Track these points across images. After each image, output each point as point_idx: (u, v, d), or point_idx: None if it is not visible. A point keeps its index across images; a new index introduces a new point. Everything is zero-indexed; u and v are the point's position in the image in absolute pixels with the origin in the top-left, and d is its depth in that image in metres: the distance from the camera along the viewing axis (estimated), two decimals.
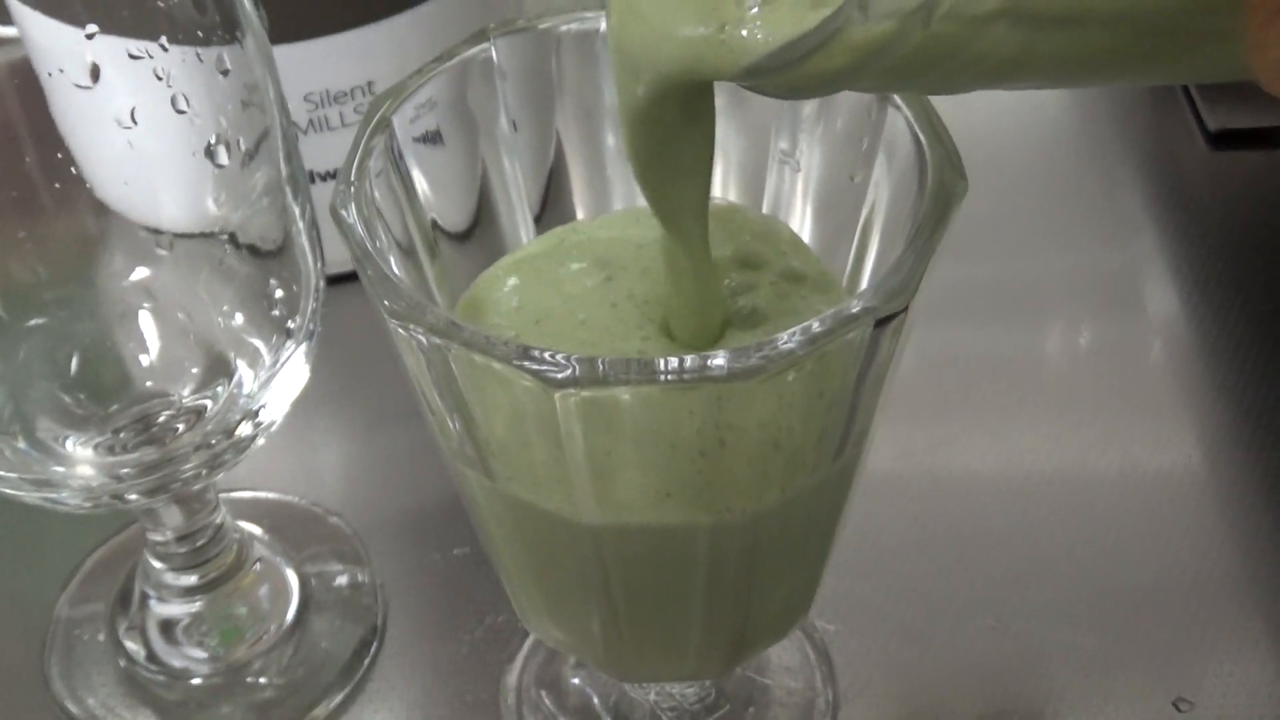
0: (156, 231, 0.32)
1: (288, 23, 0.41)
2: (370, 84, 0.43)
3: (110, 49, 0.28)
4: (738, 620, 0.28)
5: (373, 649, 0.38)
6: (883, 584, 0.38)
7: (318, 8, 0.41)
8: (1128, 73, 0.19)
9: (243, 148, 0.30)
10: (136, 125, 0.29)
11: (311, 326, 0.33)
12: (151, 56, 0.28)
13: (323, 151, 0.44)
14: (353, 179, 0.25)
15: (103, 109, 0.29)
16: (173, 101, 0.29)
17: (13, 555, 0.41)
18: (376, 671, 0.37)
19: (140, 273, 0.33)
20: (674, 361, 0.21)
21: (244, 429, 0.32)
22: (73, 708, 0.37)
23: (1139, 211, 0.51)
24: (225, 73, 0.29)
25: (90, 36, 0.27)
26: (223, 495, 0.37)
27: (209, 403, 0.34)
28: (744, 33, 0.19)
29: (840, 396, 0.23)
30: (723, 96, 0.24)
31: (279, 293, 0.33)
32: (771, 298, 0.27)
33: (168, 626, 0.37)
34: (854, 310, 0.21)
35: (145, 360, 0.34)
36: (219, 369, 0.34)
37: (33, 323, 0.32)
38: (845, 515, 0.28)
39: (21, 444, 0.32)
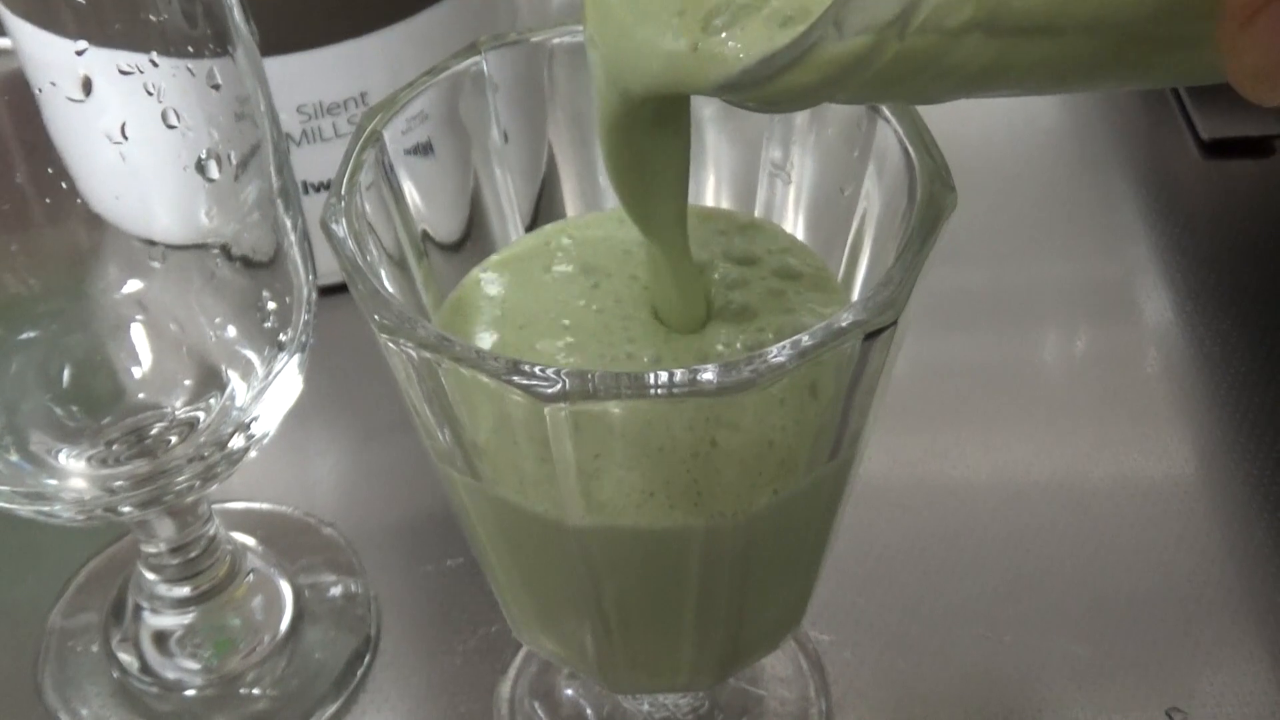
0: (149, 244, 0.32)
1: (281, 34, 0.41)
2: (363, 95, 0.43)
3: (101, 63, 0.28)
4: (731, 630, 0.28)
5: (366, 660, 0.38)
6: (876, 594, 0.38)
7: (312, 20, 0.41)
8: (1105, 78, 0.19)
9: (234, 161, 0.30)
10: (127, 140, 0.29)
11: (304, 338, 0.33)
12: (142, 71, 0.28)
13: (316, 163, 0.44)
14: (343, 193, 0.25)
15: (94, 123, 0.29)
16: (163, 116, 0.29)
17: (6, 567, 0.41)
18: (370, 683, 0.37)
19: (132, 285, 0.33)
20: (664, 375, 0.21)
21: (236, 441, 0.32)
22: (66, 719, 0.37)
23: (1133, 220, 0.51)
24: (216, 86, 0.29)
25: (80, 53, 0.27)
26: (216, 506, 0.37)
27: (201, 415, 0.34)
28: (717, 49, 0.19)
29: (833, 400, 0.23)
30: (714, 107, 0.24)
31: (271, 305, 0.33)
32: (762, 294, 0.27)
33: (161, 638, 0.37)
34: (843, 324, 0.21)
35: (138, 372, 0.34)
36: (211, 381, 0.34)
37: (25, 335, 0.32)
38: (838, 523, 0.28)
39: (14, 457, 0.32)
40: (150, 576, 0.37)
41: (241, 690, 0.37)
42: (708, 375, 0.21)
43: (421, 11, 0.43)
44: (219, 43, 0.29)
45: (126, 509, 0.32)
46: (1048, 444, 0.42)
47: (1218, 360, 0.45)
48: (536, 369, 0.21)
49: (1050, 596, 0.38)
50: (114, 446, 0.33)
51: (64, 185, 0.30)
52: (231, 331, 0.34)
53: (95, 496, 0.32)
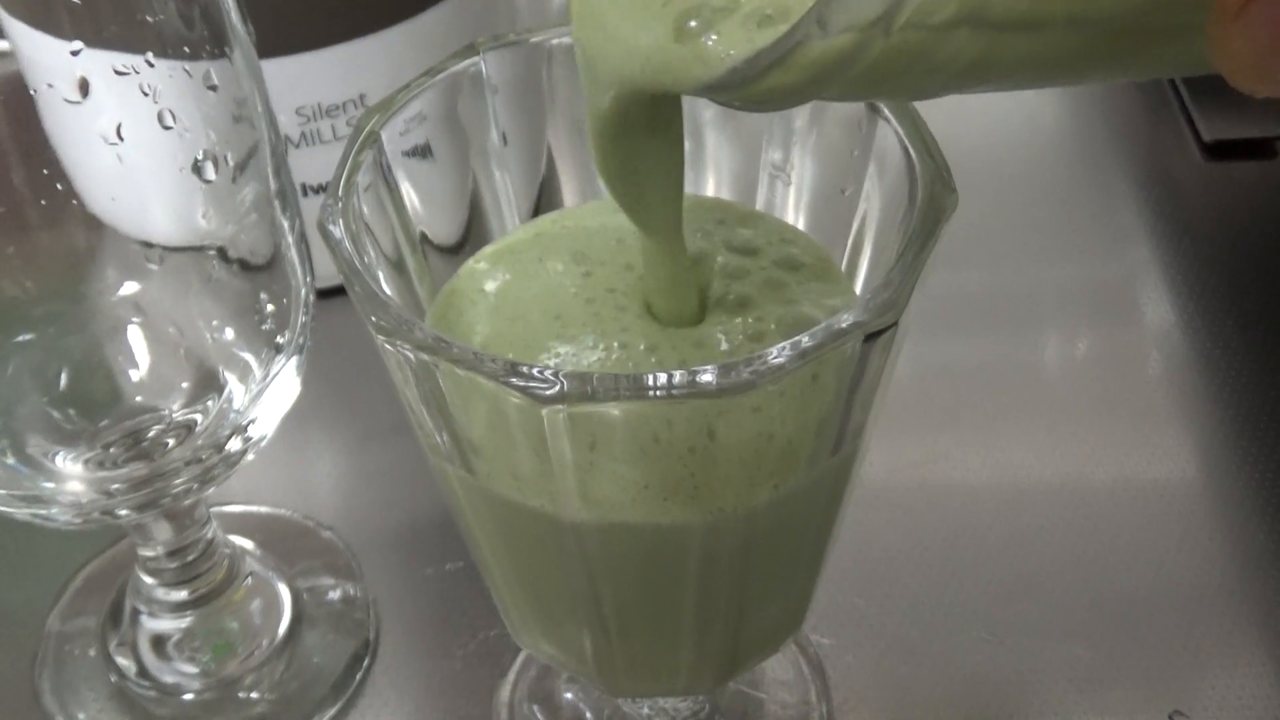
0: (146, 246, 0.32)
1: (280, 36, 0.41)
2: (362, 97, 0.43)
3: (98, 64, 0.28)
4: (730, 632, 0.28)
5: (365, 664, 0.38)
6: (877, 597, 0.38)
7: (310, 21, 0.41)
8: (1095, 71, 0.18)
9: (231, 163, 0.30)
10: (124, 141, 0.29)
11: (302, 340, 0.33)
12: (138, 72, 0.28)
13: (315, 165, 0.44)
14: (340, 194, 0.24)
15: (91, 124, 0.29)
16: (160, 117, 0.29)
17: (3, 570, 0.41)
18: (369, 686, 0.37)
19: (130, 287, 0.33)
20: (662, 377, 0.21)
21: (234, 444, 0.32)
22: None
23: (1134, 222, 0.51)
24: (213, 88, 0.29)
25: (76, 54, 0.27)
26: (214, 509, 0.37)
27: (199, 417, 0.33)
28: (702, 49, 0.19)
29: (834, 397, 0.23)
30: (714, 108, 0.24)
31: (269, 307, 0.33)
32: (761, 284, 0.27)
33: (159, 642, 0.37)
34: (843, 325, 0.21)
35: (135, 375, 0.34)
36: (209, 383, 0.34)
37: (21, 338, 0.32)
38: (839, 522, 0.28)
39: (11, 460, 0.32)
40: (148, 580, 0.37)
41: (240, 694, 0.37)
42: (707, 377, 0.21)
43: (420, 13, 0.43)
44: (216, 44, 0.29)
45: (124, 512, 0.32)
46: (1049, 446, 0.42)
47: (1219, 362, 0.45)
48: (534, 370, 0.21)
49: (1052, 599, 0.38)
50: (111, 449, 0.33)
51: (60, 187, 0.30)
52: (229, 334, 0.34)
53: (92, 499, 0.32)
